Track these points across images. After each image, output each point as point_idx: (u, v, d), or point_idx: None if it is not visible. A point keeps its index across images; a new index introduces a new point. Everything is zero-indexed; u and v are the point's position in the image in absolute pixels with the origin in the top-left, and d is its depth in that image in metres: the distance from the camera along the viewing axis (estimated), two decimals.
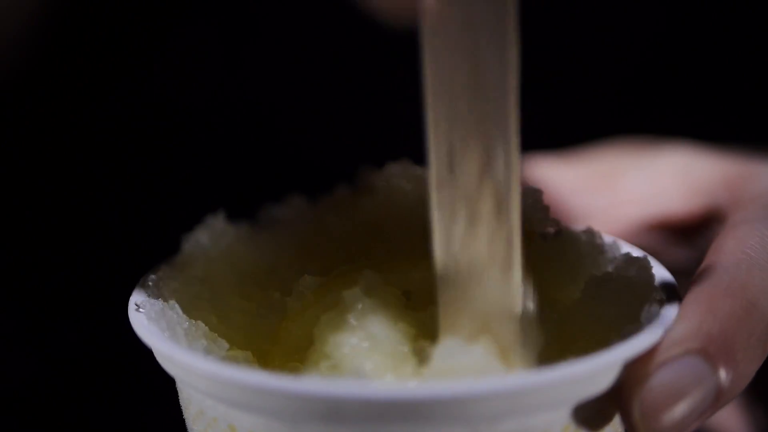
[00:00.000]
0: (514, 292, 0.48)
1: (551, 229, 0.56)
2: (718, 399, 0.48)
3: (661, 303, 0.52)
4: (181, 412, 0.54)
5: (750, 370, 0.50)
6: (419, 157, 0.59)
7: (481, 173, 0.47)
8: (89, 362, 0.93)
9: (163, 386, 0.57)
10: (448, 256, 0.49)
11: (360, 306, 0.50)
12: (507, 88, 0.46)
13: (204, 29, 0.94)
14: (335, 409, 0.46)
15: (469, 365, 0.46)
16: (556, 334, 0.51)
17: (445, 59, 0.46)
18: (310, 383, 0.45)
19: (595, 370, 0.47)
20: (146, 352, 0.53)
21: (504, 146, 0.47)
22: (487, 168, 0.47)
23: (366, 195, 0.59)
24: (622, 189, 0.71)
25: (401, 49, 0.64)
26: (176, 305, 0.54)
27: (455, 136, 0.47)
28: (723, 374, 0.48)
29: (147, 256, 0.59)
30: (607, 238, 0.58)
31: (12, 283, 0.94)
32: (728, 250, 0.53)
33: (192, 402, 0.51)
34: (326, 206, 0.60)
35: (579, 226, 0.58)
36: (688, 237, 0.68)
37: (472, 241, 0.48)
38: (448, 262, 0.49)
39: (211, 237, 0.58)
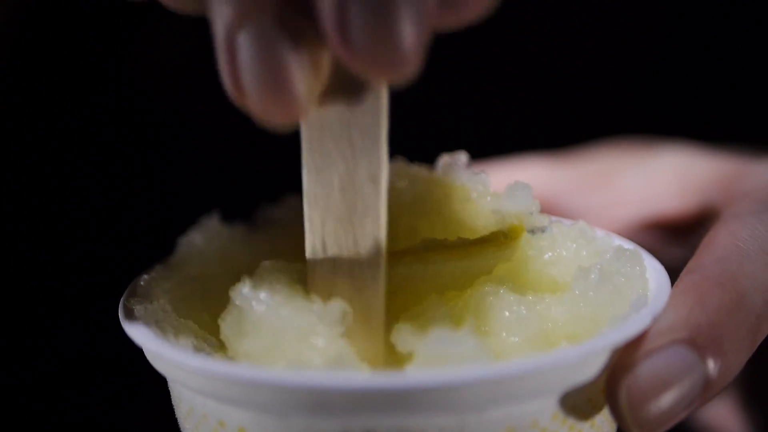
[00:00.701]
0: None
1: (540, 226, 0.56)
2: (705, 389, 0.48)
3: (651, 293, 0.52)
4: (173, 412, 0.54)
5: (738, 361, 0.49)
6: (413, 156, 0.60)
7: (350, 257, 0.50)
8: (83, 363, 0.93)
9: (156, 386, 0.57)
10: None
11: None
12: (378, 192, 0.49)
13: (201, 29, 0.95)
14: (322, 401, 0.46)
15: (456, 354, 0.46)
16: (545, 324, 0.51)
17: (322, 161, 0.49)
18: (297, 376, 0.45)
19: (583, 357, 0.47)
20: (138, 353, 0.53)
21: (374, 242, 0.50)
22: (356, 254, 0.50)
23: None
24: (618, 189, 0.71)
25: None
26: (167, 305, 0.54)
27: (328, 226, 0.50)
28: (711, 364, 0.48)
29: (142, 257, 0.59)
30: (598, 232, 0.58)
31: (4, 284, 0.94)
32: (719, 243, 0.53)
33: (182, 400, 0.51)
34: None
35: (570, 220, 0.58)
36: (684, 236, 0.68)
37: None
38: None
39: (205, 237, 0.58)
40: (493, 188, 0.57)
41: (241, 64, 0.45)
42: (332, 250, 0.51)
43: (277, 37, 0.44)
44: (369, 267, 0.50)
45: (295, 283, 0.51)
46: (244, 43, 0.44)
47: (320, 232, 0.50)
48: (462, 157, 0.58)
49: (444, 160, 0.58)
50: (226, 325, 0.50)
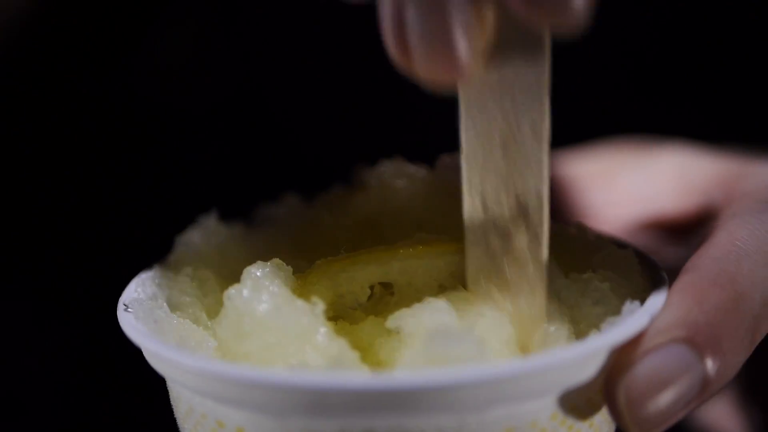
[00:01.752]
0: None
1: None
2: (704, 389, 0.48)
3: (649, 292, 0.52)
4: (172, 412, 0.54)
5: (737, 360, 0.49)
6: (412, 155, 0.60)
7: (514, 218, 0.50)
8: (81, 362, 0.93)
9: (155, 386, 0.57)
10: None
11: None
12: (541, 147, 0.49)
13: (201, 28, 0.95)
14: (321, 402, 0.46)
15: (460, 353, 0.46)
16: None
17: (482, 119, 0.49)
18: (296, 376, 0.45)
19: (581, 357, 0.47)
20: (137, 353, 0.53)
21: (536, 197, 0.50)
22: (518, 213, 0.50)
23: (359, 193, 0.60)
24: (618, 188, 0.71)
25: None
26: (165, 304, 0.54)
27: (488, 187, 0.50)
28: (710, 363, 0.48)
29: (140, 257, 0.59)
30: (597, 232, 0.58)
31: (2, 284, 0.94)
32: (718, 242, 0.53)
33: (181, 400, 0.51)
34: (320, 204, 0.60)
35: (569, 221, 0.58)
36: (684, 236, 0.68)
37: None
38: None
39: (203, 236, 0.58)
40: None
41: (408, 24, 0.45)
42: (492, 210, 0.51)
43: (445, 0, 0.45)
44: (531, 225, 0.50)
45: (287, 283, 0.51)
46: (412, 4, 0.45)
47: (479, 191, 0.50)
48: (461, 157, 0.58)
49: (443, 159, 0.58)
50: (220, 327, 0.50)
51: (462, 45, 0.45)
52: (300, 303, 0.50)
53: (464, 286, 0.54)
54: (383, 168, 0.59)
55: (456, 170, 0.58)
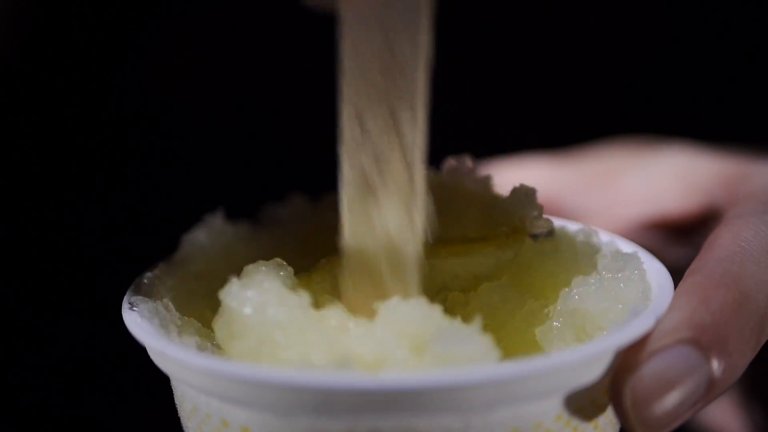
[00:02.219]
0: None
1: (541, 231, 0.56)
2: (710, 390, 0.48)
3: (653, 295, 0.52)
4: (177, 411, 0.54)
5: (743, 361, 0.49)
6: None
7: (388, 134, 0.49)
8: (85, 361, 0.93)
9: (159, 385, 0.57)
10: (360, 222, 0.51)
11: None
12: (417, 65, 0.48)
13: (204, 27, 0.95)
14: (327, 401, 0.45)
15: (465, 353, 0.46)
16: (548, 326, 0.51)
17: (360, 36, 0.49)
18: (301, 375, 0.45)
19: (587, 359, 0.47)
20: (141, 352, 0.53)
21: (411, 113, 0.49)
22: (395, 130, 0.49)
23: None
24: (620, 189, 0.71)
25: None
26: (170, 303, 0.54)
27: (363, 101, 0.49)
28: (715, 364, 0.48)
29: (146, 255, 0.59)
30: (602, 234, 0.58)
31: (7, 282, 0.94)
32: (723, 243, 0.53)
33: (186, 399, 0.51)
34: (325, 205, 0.60)
35: (574, 223, 0.58)
36: (687, 236, 0.68)
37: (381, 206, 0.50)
38: (359, 229, 0.51)
39: (209, 235, 0.58)
40: (496, 188, 0.58)
41: None
42: (369, 131, 0.50)
43: None
44: (406, 147, 0.50)
45: (287, 282, 0.51)
46: None
47: (357, 110, 0.50)
48: (467, 160, 0.58)
49: (449, 163, 0.58)
50: (218, 327, 0.50)
51: None
52: (291, 299, 0.49)
53: (466, 288, 0.54)
54: None
55: (463, 173, 0.58)
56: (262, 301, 0.49)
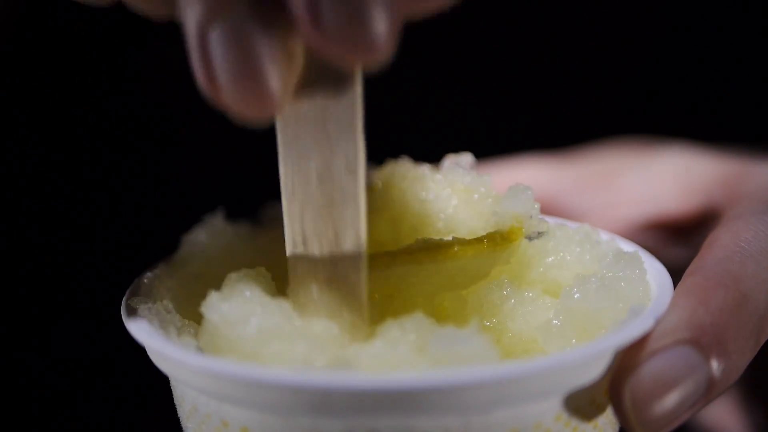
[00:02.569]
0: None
1: (536, 232, 0.56)
2: (709, 390, 0.48)
3: (653, 295, 0.52)
4: (176, 412, 0.54)
5: (742, 361, 0.49)
6: (418, 156, 0.60)
7: (330, 248, 0.50)
8: (85, 361, 0.93)
9: (157, 385, 0.57)
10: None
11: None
12: (356, 181, 0.49)
13: None
14: (326, 402, 0.46)
15: (465, 354, 0.46)
16: (548, 325, 0.51)
17: (298, 152, 0.50)
18: (302, 376, 0.45)
19: (586, 359, 0.47)
20: (140, 353, 0.53)
21: (354, 233, 0.50)
22: (336, 245, 0.50)
23: (370, 197, 0.60)
24: (620, 189, 0.71)
25: (402, 51, 0.64)
26: (170, 303, 0.54)
27: (307, 218, 0.50)
28: (715, 365, 0.48)
29: (146, 256, 0.59)
30: (602, 234, 0.58)
31: (8, 283, 0.94)
32: (722, 243, 0.53)
33: (185, 399, 0.51)
34: None
35: (573, 223, 0.58)
36: (686, 236, 0.68)
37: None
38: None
39: (209, 236, 0.58)
40: (495, 188, 0.58)
41: (214, 59, 0.44)
42: (312, 243, 0.51)
43: (249, 31, 0.44)
44: (350, 258, 0.50)
45: (270, 292, 0.51)
46: (217, 38, 0.44)
47: (300, 223, 0.50)
48: (466, 158, 0.58)
49: (448, 160, 0.58)
50: (203, 341, 0.50)
51: (271, 78, 0.45)
52: (273, 306, 0.49)
53: (464, 288, 0.54)
54: (388, 169, 0.59)
55: (461, 171, 0.58)
56: (244, 314, 0.49)
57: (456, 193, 0.57)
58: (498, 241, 0.53)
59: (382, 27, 0.43)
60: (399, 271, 0.52)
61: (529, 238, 0.56)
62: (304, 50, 0.46)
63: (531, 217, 0.55)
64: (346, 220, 0.50)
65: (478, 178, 0.57)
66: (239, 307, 0.49)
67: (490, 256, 0.53)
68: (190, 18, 0.45)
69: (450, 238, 0.54)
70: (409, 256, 0.53)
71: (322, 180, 0.49)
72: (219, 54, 0.44)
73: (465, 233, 0.56)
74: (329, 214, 0.50)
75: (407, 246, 0.54)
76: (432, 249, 0.53)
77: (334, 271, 0.50)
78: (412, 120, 0.88)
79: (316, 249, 0.50)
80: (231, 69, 0.44)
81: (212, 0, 0.44)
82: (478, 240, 0.53)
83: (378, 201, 0.59)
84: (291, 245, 0.51)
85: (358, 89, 0.48)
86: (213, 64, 0.45)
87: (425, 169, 0.59)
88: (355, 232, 0.50)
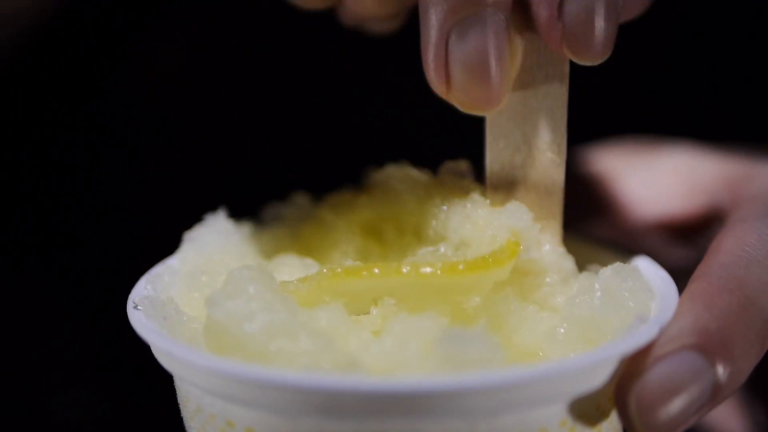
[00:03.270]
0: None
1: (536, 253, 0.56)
2: (715, 395, 0.48)
3: (659, 300, 0.52)
4: (179, 411, 0.54)
5: (748, 365, 0.50)
6: (418, 160, 0.60)
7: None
8: (88, 360, 0.93)
9: (161, 384, 0.57)
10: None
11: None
12: (561, 167, 0.55)
13: (206, 27, 0.94)
14: (333, 404, 0.46)
15: (473, 353, 0.46)
16: (553, 332, 0.51)
17: (505, 143, 0.55)
18: (309, 378, 0.45)
19: (592, 365, 0.47)
20: (143, 351, 0.53)
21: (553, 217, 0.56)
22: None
23: (364, 195, 0.60)
24: (624, 189, 0.71)
25: (403, 52, 0.64)
26: (175, 301, 0.54)
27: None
28: (720, 370, 0.48)
29: (150, 254, 0.59)
30: (606, 239, 0.58)
31: (12, 283, 0.94)
32: (727, 248, 0.53)
33: (190, 399, 0.51)
34: (325, 205, 0.60)
35: (577, 228, 0.58)
36: (690, 237, 0.68)
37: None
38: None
39: (211, 234, 0.58)
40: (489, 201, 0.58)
41: (451, 53, 0.50)
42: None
43: (489, 30, 0.49)
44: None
45: (272, 287, 0.50)
46: (459, 34, 0.50)
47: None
48: (463, 164, 0.58)
49: (446, 166, 0.58)
50: (207, 339, 0.50)
51: (498, 74, 0.50)
52: (277, 301, 0.49)
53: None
54: (388, 172, 0.59)
55: (458, 176, 0.58)
56: (248, 311, 0.48)
57: (452, 197, 0.57)
58: (500, 258, 0.53)
59: (610, 32, 0.50)
60: (401, 281, 0.52)
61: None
62: (524, 42, 0.52)
63: (533, 237, 0.55)
64: (546, 209, 0.55)
65: (473, 184, 0.57)
66: (243, 304, 0.48)
67: (489, 276, 0.53)
68: (433, 14, 0.50)
69: (447, 251, 0.55)
70: (413, 265, 0.52)
71: (526, 169, 0.55)
72: (458, 49, 0.50)
73: (456, 241, 0.56)
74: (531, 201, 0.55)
75: (412, 256, 0.54)
76: (434, 271, 0.53)
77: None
78: (415, 124, 0.88)
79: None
80: (467, 64, 0.49)
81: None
82: (483, 259, 0.53)
83: (375, 201, 0.59)
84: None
85: (566, 86, 0.54)
86: (450, 58, 0.50)
87: (424, 173, 0.59)
88: (556, 224, 0.55)
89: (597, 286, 0.52)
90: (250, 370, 0.46)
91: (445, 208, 0.56)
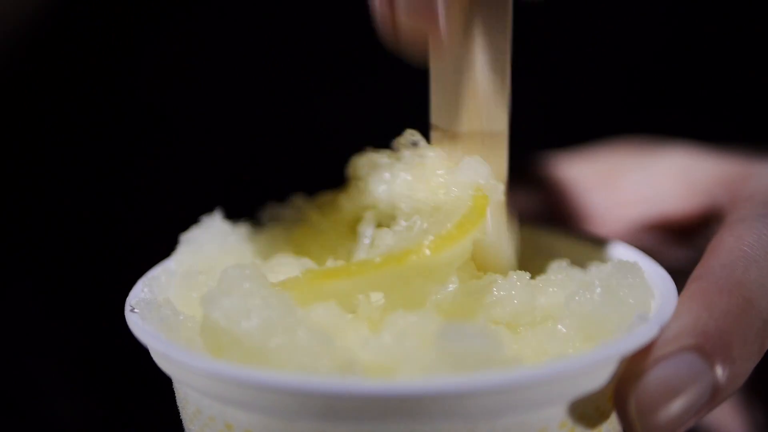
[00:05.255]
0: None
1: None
2: (714, 396, 0.48)
3: (658, 300, 0.52)
4: (178, 413, 0.54)
5: (747, 366, 0.49)
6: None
7: None
8: (87, 363, 0.93)
9: (159, 387, 0.57)
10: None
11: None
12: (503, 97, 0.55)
13: (205, 27, 0.94)
14: (332, 406, 0.46)
15: (473, 349, 0.46)
16: (554, 331, 0.51)
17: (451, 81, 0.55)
18: (307, 380, 0.45)
19: (592, 366, 0.47)
20: (142, 354, 0.53)
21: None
22: None
23: (342, 193, 0.59)
24: (622, 189, 0.71)
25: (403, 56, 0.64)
26: (172, 303, 0.54)
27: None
28: (719, 371, 0.48)
29: (147, 256, 0.59)
30: (605, 238, 0.58)
31: (10, 284, 0.94)
32: (726, 248, 0.53)
33: (189, 401, 0.51)
34: (314, 207, 0.60)
35: (576, 228, 0.58)
36: (688, 237, 0.68)
37: None
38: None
39: (208, 235, 0.58)
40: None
41: None
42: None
43: None
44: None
45: (266, 283, 0.50)
46: None
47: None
48: (412, 133, 0.58)
49: (399, 141, 0.58)
50: (204, 338, 0.50)
51: (443, 12, 0.50)
52: (273, 297, 0.49)
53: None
54: (355, 163, 0.59)
55: (415, 149, 0.58)
56: (245, 308, 0.48)
57: (410, 171, 0.56)
58: (473, 218, 0.53)
59: None
60: (387, 277, 0.52)
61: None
62: None
63: (488, 183, 0.55)
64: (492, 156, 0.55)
65: (431, 152, 0.57)
66: (240, 301, 0.48)
67: (469, 240, 0.53)
68: None
69: (422, 223, 0.55)
70: (398, 261, 0.52)
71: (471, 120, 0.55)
72: None
73: (428, 210, 0.55)
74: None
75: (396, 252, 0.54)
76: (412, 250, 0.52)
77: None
78: (414, 124, 0.88)
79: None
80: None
81: None
82: (449, 232, 0.52)
83: (351, 196, 0.59)
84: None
85: (510, 22, 0.55)
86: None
87: (382, 155, 0.58)
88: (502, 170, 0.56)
89: (597, 282, 0.52)
90: (248, 373, 0.46)
91: (408, 177, 0.56)
